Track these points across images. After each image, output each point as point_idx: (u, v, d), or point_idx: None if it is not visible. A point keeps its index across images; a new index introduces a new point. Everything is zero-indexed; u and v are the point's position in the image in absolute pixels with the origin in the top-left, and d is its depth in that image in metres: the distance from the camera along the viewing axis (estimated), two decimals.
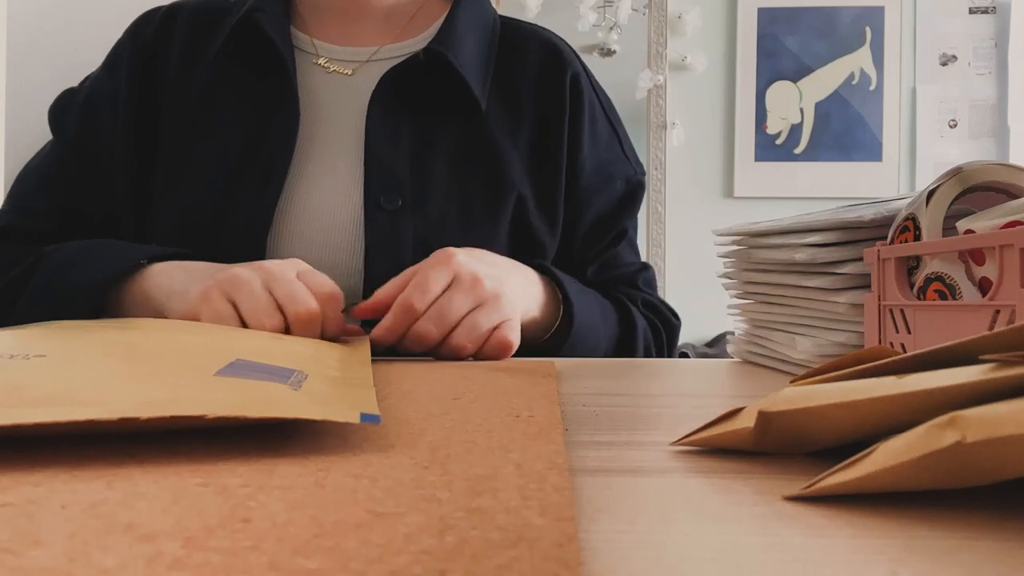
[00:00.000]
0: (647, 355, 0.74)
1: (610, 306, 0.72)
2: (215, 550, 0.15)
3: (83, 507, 0.17)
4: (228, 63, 0.71)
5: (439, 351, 0.54)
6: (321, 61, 0.73)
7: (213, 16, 0.73)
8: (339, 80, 0.72)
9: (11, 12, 2.11)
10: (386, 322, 0.53)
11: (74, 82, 0.77)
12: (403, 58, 0.70)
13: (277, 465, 0.22)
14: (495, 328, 0.55)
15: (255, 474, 0.20)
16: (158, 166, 0.69)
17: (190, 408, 0.23)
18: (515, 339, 0.56)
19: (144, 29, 0.74)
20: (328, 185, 0.67)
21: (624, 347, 0.72)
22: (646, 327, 0.75)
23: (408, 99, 0.70)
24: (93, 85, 0.74)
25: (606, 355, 0.70)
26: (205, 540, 0.15)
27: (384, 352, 0.58)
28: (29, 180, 0.73)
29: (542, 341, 0.66)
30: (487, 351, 0.55)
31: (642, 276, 0.80)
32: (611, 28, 2.51)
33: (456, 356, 0.54)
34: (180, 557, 0.14)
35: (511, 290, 0.58)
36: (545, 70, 0.76)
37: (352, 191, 0.67)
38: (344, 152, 0.69)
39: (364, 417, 0.25)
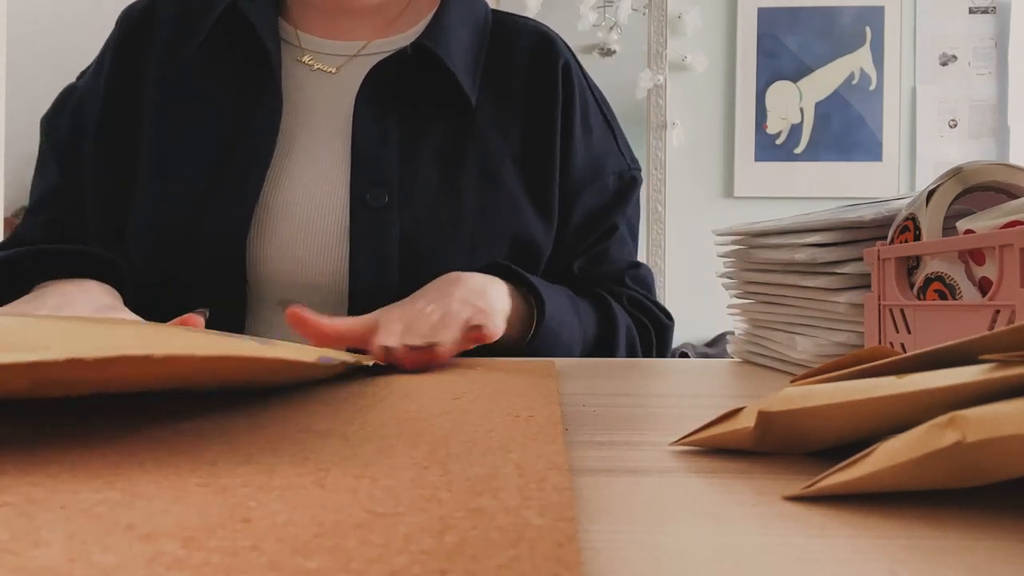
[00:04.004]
0: (631, 354, 0.71)
1: (586, 303, 0.69)
2: (215, 550, 0.15)
3: (83, 507, 0.17)
4: (212, 54, 0.69)
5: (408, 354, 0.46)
6: (305, 58, 0.71)
7: (199, 6, 0.71)
8: (324, 76, 0.71)
9: (11, 12, 2.11)
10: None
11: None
12: (390, 53, 0.68)
13: (277, 465, 0.21)
14: (468, 319, 0.51)
15: (255, 474, 0.20)
16: (138, 165, 0.68)
17: (138, 348, 0.22)
18: (492, 325, 0.51)
19: (128, 21, 0.73)
20: (312, 181, 0.66)
21: (604, 345, 0.69)
22: (630, 325, 0.72)
23: (396, 95, 0.68)
24: (84, 86, 0.73)
25: (584, 355, 0.67)
26: (205, 540, 0.15)
27: None
28: (35, 190, 0.73)
29: (515, 343, 0.62)
30: (462, 339, 0.49)
31: (631, 273, 0.76)
32: (611, 28, 2.51)
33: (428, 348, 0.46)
34: (180, 557, 0.14)
35: (493, 296, 0.56)
36: (536, 60, 0.74)
37: (337, 187, 0.66)
38: (329, 147, 0.67)
39: (322, 359, 0.26)
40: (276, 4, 0.74)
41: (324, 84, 0.71)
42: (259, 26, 0.68)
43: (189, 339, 0.26)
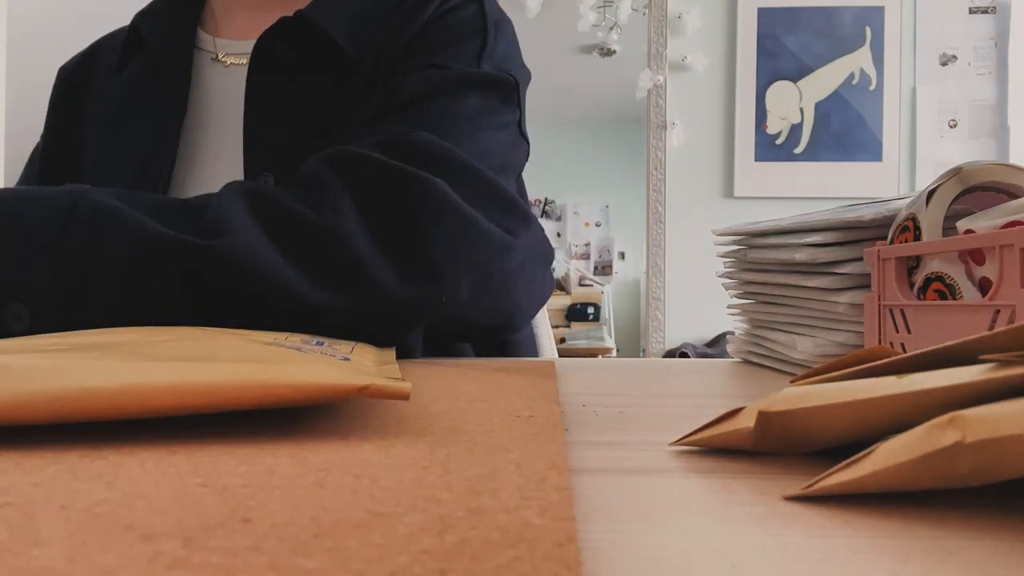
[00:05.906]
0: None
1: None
2: (215, 550, 0.15)
3: (83, 507, 0.17)
4: (133, 75, 0.73)
5: None
6: (221, 56, 0.72)
7: (122, 35, 0.75)
8: (240, 70, 0.71)
9: (11, 12, 2.11)
10: None
11: None
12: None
13: (277, 465, 0.21)
14: None
15: (255, 474, 0.20)
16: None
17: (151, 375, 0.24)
18: None
19: (66, 73, 0.78)
20: (213, 176, 0.66)
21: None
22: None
23: (287, 70, 0.66)
24: (40, 143, 0.78)
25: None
26: (205, 540, 0.15)
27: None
28: None
29: None
30: None
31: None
32: (611, 28, 2.51)
33: None
34: (180, 557, 0.14)
35: None
36: (423, 5, 0.67)
37: (235, 177, 0.65)
38: (229, 139, 0.67)
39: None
40: (191, 16, 0.74)
41: (234, 79, 0.70)
42: (153, 37, 0.71)
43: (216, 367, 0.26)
